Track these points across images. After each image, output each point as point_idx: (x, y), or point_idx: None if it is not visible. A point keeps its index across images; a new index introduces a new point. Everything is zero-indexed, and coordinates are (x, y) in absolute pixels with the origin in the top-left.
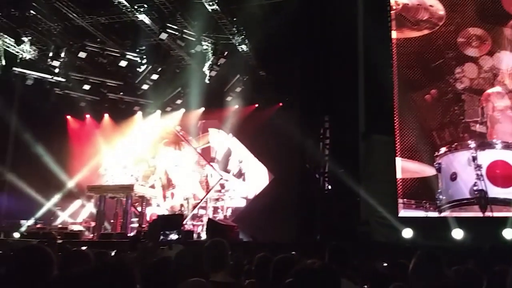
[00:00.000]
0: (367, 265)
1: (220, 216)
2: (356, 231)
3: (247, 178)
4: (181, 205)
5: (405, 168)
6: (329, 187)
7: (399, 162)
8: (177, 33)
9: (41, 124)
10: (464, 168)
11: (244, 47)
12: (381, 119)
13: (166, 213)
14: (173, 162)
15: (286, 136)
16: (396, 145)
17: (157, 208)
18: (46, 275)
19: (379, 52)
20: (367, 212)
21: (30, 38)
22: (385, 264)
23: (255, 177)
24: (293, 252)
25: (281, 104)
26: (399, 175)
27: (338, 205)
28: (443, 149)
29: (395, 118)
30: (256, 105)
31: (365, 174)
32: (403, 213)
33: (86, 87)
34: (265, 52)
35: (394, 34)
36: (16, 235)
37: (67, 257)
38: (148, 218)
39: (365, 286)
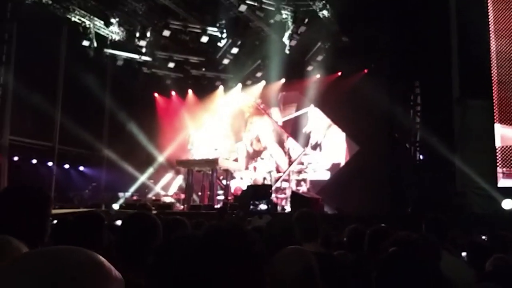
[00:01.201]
0: (465, 237)
1: (303, 188)
2: (452, 203)
3: (330, 150)
4: (264, 178)
5: (505, 135)
6: (421, 157)
7: (498, 128)
8: (256, 4)
9: (132, 102)
10: None
11: (325, 12)
12: (477, 82)
13: None
14: (255, 135)
15: (373, 104)
16: (495, 110)
17: (241, 181)
18: (155, 239)
19: (473, 8)
20: (463, 183)
21: (117, 19)
22: (483, 237)
23: (339, 149)
24: (382, 225)
25: (366, 70)
26: (498, 143)
27: (431, 176)
28: None
29: (493, 81)
30: (339, 73)
31: (461, 142)
32: (502, 182)
33: (171, 64)
34: (348, 16)
35: None
36: (115, 206)
37: (169, 224)
38: (232, 191)
39: (464, 254)
